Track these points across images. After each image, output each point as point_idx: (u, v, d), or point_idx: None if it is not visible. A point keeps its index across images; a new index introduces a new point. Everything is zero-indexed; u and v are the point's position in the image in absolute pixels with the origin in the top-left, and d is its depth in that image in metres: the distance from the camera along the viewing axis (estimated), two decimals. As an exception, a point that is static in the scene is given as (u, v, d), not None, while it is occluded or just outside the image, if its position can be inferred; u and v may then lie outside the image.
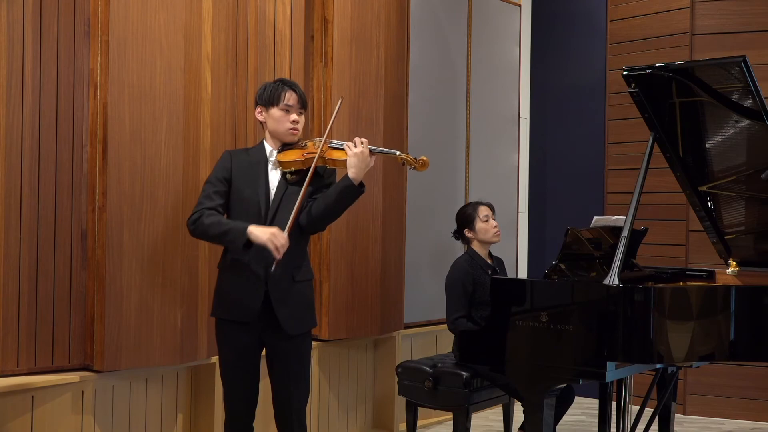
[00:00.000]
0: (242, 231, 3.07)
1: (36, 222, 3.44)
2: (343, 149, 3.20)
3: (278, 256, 3.04)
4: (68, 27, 3.53)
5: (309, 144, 3.27)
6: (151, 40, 3.63)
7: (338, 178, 3.25)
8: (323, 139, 3.21)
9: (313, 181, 3.18)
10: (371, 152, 3.19)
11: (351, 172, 3.12)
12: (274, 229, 3.06)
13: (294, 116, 3.26)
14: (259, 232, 3.06)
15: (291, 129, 3.26)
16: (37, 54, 3.44)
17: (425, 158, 3.23)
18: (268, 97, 3.27)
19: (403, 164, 3.27)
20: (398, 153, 3.26)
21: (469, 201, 5.33)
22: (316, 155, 3.15)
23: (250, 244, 3.08)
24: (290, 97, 3.25)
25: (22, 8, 3.39)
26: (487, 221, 4.23)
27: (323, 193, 3.20)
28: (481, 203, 4.30)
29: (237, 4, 4.04)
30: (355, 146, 3.15)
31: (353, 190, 3.13)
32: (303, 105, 3.30)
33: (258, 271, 3.14)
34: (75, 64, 3.56)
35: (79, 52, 3.57)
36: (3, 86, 3.33)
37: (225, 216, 3.23)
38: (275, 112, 3.25)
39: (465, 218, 4.28)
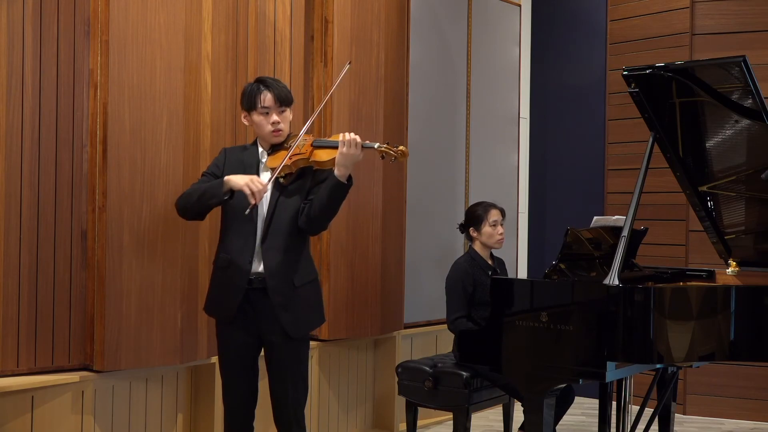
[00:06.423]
0: (219, 182, 3.12)
1: (36, 222, 3.44)
2: (330, 148, 3.11)
3: (254, 201, 3.03)
4: (68, 27, 3.53)
5: (296, 145, 3.18)
6: (151, 40, 3.63)
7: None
8: (300, 137, 3.15)
9: (308, 178, 3.18)
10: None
11: (339, 171, 3.06)
12: (252, 176, 3.07)
13: (274, 117, 3.18)
14: (236, 178, 3.08)
15: (273, 131, 3.19)
16: (37, 54, 3.44)
17: (404, 148, 3.11)
18: (248, 102, 3.21)
19: (383, 157, 3.12)
20: (377, 145, 3.10)
21: (470, 201, 5.34)
22: (295, 158, 3.10)
23: (232, 193, 3.10)
24: (265, 99, 3.16)
25: (22, 8, 3.39)
26: (494, 226, 4.21)
27: (316, 195, 3.15)
28: (494, 206, 4.27)
29: (237, 4, 4.04)
30: (345, 146, 3.03)
31: (342, 187, 3.09)
32: (283, 102, 3.18)
33: (241, 266, 3.13)
34: (75, 64, 3.56)
35: (79, 52, 3.57)
36: (3, 86, 3.33)
37: (222, 219, 3.25)
38: (256, 116, 3.20)
39: (474, 218, 4.26)
